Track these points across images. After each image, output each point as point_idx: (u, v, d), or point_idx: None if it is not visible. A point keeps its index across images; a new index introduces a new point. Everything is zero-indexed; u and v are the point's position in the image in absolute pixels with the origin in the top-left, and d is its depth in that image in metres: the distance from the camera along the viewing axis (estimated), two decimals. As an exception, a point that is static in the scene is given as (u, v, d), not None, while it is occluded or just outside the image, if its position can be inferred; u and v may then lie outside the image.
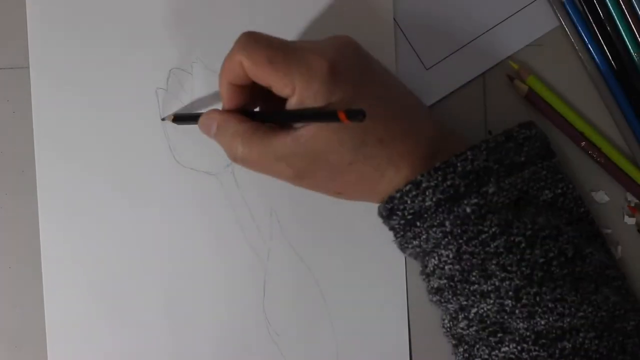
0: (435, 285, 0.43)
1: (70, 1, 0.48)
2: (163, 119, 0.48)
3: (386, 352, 0.49)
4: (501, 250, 0.40)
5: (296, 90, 0.39)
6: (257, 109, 0.44)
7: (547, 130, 0.48)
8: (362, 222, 0.48)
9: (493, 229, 0.40)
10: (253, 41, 0.39)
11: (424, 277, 0.44)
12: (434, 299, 0.43)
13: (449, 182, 0.40)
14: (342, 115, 0.34)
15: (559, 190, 0.43)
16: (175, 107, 0.48)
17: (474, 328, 0.42)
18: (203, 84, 0.48)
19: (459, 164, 0.40)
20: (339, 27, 0.48)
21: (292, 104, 0.39)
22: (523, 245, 0.40)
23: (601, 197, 0.48)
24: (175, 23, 0.48)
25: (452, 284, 0.41)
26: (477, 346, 0.42)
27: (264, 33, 0.40)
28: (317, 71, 0.38)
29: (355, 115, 0.34)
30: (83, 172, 0.48)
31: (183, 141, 0.49)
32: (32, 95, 0.48)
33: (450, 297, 0.42)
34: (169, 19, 0.48)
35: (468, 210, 0.40)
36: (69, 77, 0.48)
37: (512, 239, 0.40)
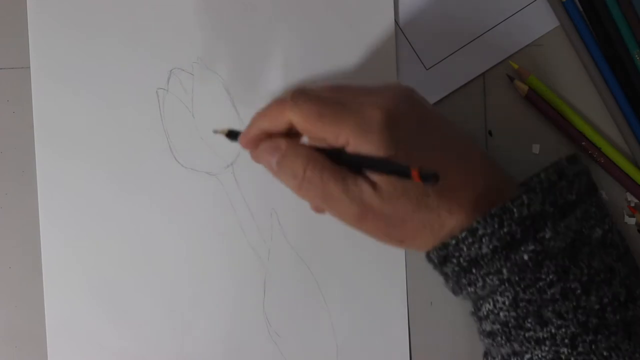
0: (488, 329, 0.42)
1: (70, 1, 0.48)
2: (215, 131, 0.45)
3: (386, 352, 0.49)
4: (557, 297, 0.39)
5: (350, 142, 0.38)
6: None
7: (547, 130, 0.48)
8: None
9: (550, 277, 0.39)
10: (305, 98, 0.38)
11: (475, 318, 0.43)
12: (486, 341, 0.43)
13: (505, 229, 0.39)
14: (415, 174, 0.34)
15: (607, 226, 0.42)
16: (177, 108, 0.48)
17: None
18: (204, 83, 0.48)
19: (515, 210, 0.39)
20: (339, 28, 0.48)
21: (349, 151, 0.39)
22: (579, 291, 0.39)
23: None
24: (176, 23, 0.48)
25: (506, 329, 0.41)
26: None
27: (311, 88, 0.39)
28: (371, 121, 0.38)
29: (429, 177, 0.34)
30: (83, 172, 0.48)
31: (183, 141, 0.49)
32: (32, 95, 0.48)
33: (503, 342, 0.41)
34: (169, 19, 0.48)
35: (525, 257, 0.39)
36: (70, 77, 0.48)
37: (568, 285, 0.39)
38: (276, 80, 0.48)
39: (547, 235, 0.39)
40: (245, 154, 0.48)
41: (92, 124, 0.48)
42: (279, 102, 0.40)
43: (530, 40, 0.48)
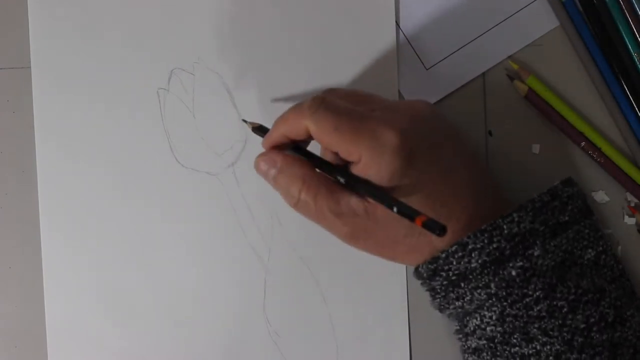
0: (474, 345, 0.42)
1: (71, 1, 0.48)
2: (244, 120, 0.47)
3: (386, 352, 0.49)
4: (544, 314, 0.40)
5: (362, 160, 0.38)
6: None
7: (547, 130, 0.48)
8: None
9: (537, 293, 0.40)
10: (324, 108, 0.39)
11: (461, 336, 0.43)
12: (470, 358, 0.43)
13: (494, 245, 0.40)
14: (420, 220, 0.35)
15: (600, 248, 0.42)
16: (178, 108, 0.48)
17: None
18: (205, 84, 0.48)
19: (505, 226, 0.40)
20: (340, 28, 0.48)
21: (356, 170, 0.39)
22: (565, 309, 0.40)
23: (601, 197, 0.48)
24: (177, 23, 0.48)
25: (492, 345, 0.41)
26: None
27: (332, 98, 0.40)
28: (387, 145, 0.38)
29: (435, 228, 0.34)
30: (84, 172, 0.48)
31: (184, 141, 0.49)
32: (33, 95, 0.48)
33: (489, 358, 0.41)
34: (170, 19, 0.48)
35: (513, 273, 0.40)
36: (70, 77, 0.48)
37: (555, 303, 0.40)
38: (277, 80, 0.48)
39: (536, 253, 0.40)
40: (246, 154, 0.48)
41: (92, 124, 0.48)
42: (298, 109, 0.40)
43: (530, 40, 0.48)
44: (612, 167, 0.48)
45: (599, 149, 0.47)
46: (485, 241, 0.40)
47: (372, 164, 0.38)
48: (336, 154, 0.40)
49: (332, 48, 0.48)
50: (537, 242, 0.40)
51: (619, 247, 0.48)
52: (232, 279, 0.49)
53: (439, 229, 0.34)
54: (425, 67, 0.48)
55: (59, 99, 0.48)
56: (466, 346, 0.43)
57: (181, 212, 0.49)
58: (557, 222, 0.41)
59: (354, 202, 0.40)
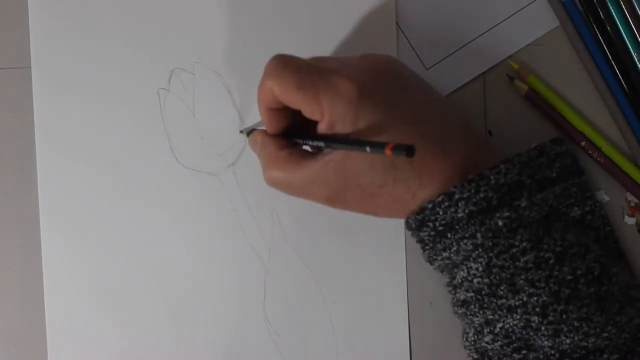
0: (462, 298, 0.42)
1: (71, 1, 0.48)
2: (241, 132, 0.48)
3: (386, 352, 0.49)
4: (530, 265, 0.40)
5: (325, 115, 0.39)
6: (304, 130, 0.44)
7: (547, 130, 0.48)
8: (363, 222, 0.48)
9: (524, 244, 0.40)
10: (282, 66, 0.39)
11: (450, 288, 0.44)
12: (460, 311, 0.43)
13: (481, 195, 0.40)
14: (388, 148, 0.34)
15: (587, 208, 0.43)
16: (178, 108, 0.48)
17: (499, 343, 0.41)
18: (205, 83, 0.48)
19: (492, 177, 0.40)
20: (340, 28, 0.48)
21: (322, 128, 0.39)
22: (552, 261, 0.40)
23: (601, 197, 0.48)
24: (177, 23, 0.48)
25: (479, 297, 0.41)
26: None
27: (292, 56, 0.40)
28: (344, 95, 0.38)
29: (403, 150, 0.34)
30: (84, 172, 0.48)
31: (184, 141, 0.49)
32: (33, 95, 0.48)
33: (476, 310, 0.42)
34: (170, 19, 0.48)
35: (500, 223, 0.40)
36: (70, 77, 0.48)
37: (541, 254, 0.40)
38: (276, 80, 0.48)
39: (523, 204, 0.40)
40: (247, 154, 0.48)
41: (92, 124, 0.48)
42: (263, 75, 0.40)
43: (530, 40, 0.48)
44: (612, 167, 0.48)
45: (599, 149, 0.47)
46: (472, 191, 0.40)
47: (334, 118, 0.39)
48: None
49: (332, 48, 0.48)
50: (524, 193, 0.40)
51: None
52: (232, 279, 0.49)
53: (406, 150, 0.34)
54: (425, 67, 0.48)
55: (59, 99, 0.48)
56: (455, 299, 0.43)
57: (181, 212, 0.49)
58: (543, 177, 0.41)
59: (318, 166, 0.40)
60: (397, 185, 0.40)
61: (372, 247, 0.49)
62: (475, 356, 0.44)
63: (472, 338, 0.43)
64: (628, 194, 0.48)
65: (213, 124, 0.48)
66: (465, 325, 0.44)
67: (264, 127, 0.44)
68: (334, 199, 0.41)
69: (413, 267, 0.48)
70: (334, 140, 0.39)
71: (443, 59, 0.48)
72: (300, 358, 0.49)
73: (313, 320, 0.49)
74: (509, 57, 0.48)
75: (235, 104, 0.48)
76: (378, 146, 0.35)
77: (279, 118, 0.42)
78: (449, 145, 0.41)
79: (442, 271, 0.45)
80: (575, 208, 0.42)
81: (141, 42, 0.48)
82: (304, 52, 0.48)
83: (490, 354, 0.43)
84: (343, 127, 0.39)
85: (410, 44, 0.48)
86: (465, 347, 0.44)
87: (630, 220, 0.48)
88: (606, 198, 0.48)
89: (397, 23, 0.48)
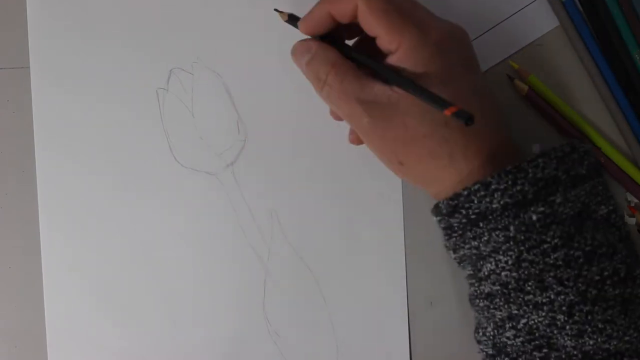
0: (487, 291, 0.42)
1: (70, 1, 0.48)
2: (276, 10, 0.45)
3: (386, 352, 0.49)
4: (560, 262, 0.39)
5: (401, 49, 0.39)
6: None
7: (547, 130, 0.48)
8: (363, 222, 0.48)
9: (555, 240, 0.39)
10: None
11: (473, 280, 0.43)
12: (481, 304, 0.43)
13: (518, 187, 0.39)
14: (450, 110, 0.34)
15: (612, 207, 0.42)
16: (177, 107, 0.48)
17: (520, 339, 0.41)
18: (204, 83, 0.48)
19: (530, 170, 0.40)
20: (339, 27, 0.48)
21: (393, 59, 0.39)
22: (581, 260, 0.39)
23: (601, 197, 0.48)
24: (176, 23, 0.48)
25: (505, 290, 0.41)
26: (520, 359, 0.42)
27: None
28: (429, 38, 0.39)
29: (464, 116, 0.34)
30: (83, 172, 0.48)
31: (183, 141, 0.49)
32: (32, 95, 0.48)
33: (501, 304, 0.41)
34: (169, 18, 0.48)
35: (534, 217, 0.39)
36: (70, 77, 0.48)
37: (572, 252, 0.39)
38: (276, 80, 0.48)
39: (558, 200, 0.40)
40: (246, 154, 0.48)
41: (92, 124, 0.48)
42: None
43: (530, 40, 0.48)
44: (612, 167, 0.48)
45: (599, 149, 0.47)
46: (509, 182, 0.39)
47: (411, 54, 0.38)
48: (372, 42, 0.40)
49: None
50: (560, 189, 0.40)
51: (619, 247, 0.48)
52: (232, 279, 0.49)
53: (466, 118, 0.34)
54: (425, 67, 0.48)
55: (58, 99, 0.48)
56: (479, 291, 0.43)
57: (181, 211, 0.49)
58: (577, 173, 0.41)
59: (378, 89, 0.39)
60: (441, 143, 0.40)
61: (372, 247, 0.48)
62: (491, 351, 0.43)
63: (491, 332, 0.42)
64: (628, 194, 0.48)
65: (212, 124, 0.48)
66: (482, 318, 0.43)
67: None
68: (375, 127, 0.40)
69: (413, 267, 0.48)
70: (399, 77, 0.39)
71: (443, 59, 0.48)
72: (300, 358, 0.49)
73: (313, 320, 0.49)
74: (509, 57, 0.48)
75: (234, 104, 0.48)
76: (442, 103, 0.35)
77: (330, 26, 0.41)
78: (495, 131, 0.41)
79: (460, 262, 0.44)
80: (602, 206, 0.42)
81: (140, 42, 0.48)
82: (304, 52, 0.48)
83: (509, 349, 0.42)
84: (414, 66, 0.39)
85: (410, 43, 0.48)
86: (479, 341, 0.44)
87: (630, 220, 0.48)
88: (606, 198, 0.48)
89: (396, 23, 0.48)
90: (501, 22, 0.48)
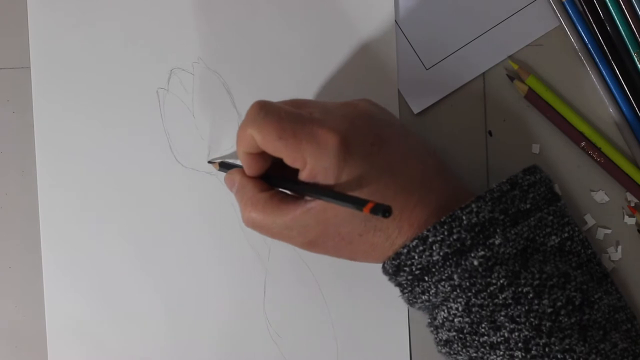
0: (444, 338, 0.42)
1: (71, 1, 0.48)
2: (210, 162, 0.48)
3: (386, 352, 0.49)
4: (510, 301, 0.40)
5: (307, 165, 0.39)
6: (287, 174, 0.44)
7: (547, 130, 0.48)
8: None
9: (501, 281, 0.40)
10: (263, 114, 0.39)
11: (432, 329, 0.44)
12: (443, 350, 0.43)
13: (455, 236, 0.40)
14: (367, 209, 0.35)
15: (566, 235, 0.42)
16: (177, 108, 0.48)
17: None
18: (204, 83, 0.48)
19: (464, 217, 0.40)
20: (339, 28, 0.48)
21: (303, 176, 0.39)
22: (531, 295, 0.40)
23: (601, 197, 0.48)
24: (177, 23, 0.48)
25: (461, 336, 0.41)
26: None
27: (274, 103, 0.40)
28: (327, 148, 0.38)
29: (380, 211, 0.34)
30: (83, 172, 0.48)
31: (184, 141, 0.49)
32: (32, 95, 0.48)
33: (459, 349, 0.42)
34: (170, 19, 0.48)
35: (475, 263, 0.40)
36: (70, 77, 0.48)
37: (520, 289, 0.40)
38: (276, 80, 0.48)
39: (497, 242, 0.40)
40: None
41: (92, 124, 0.49)
42: (243, 121, 0.40)
43: (530, 40, 0.48)
44: (612, 167, 0.47)
45: (599, 149, 0.47)
46: (445, 233, 0.40)
47: (317, 167, 0.39)
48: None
49: (332, 48, 0.48)
50: (498, 230, 0.40)
51: (619, 247, 0.48)
52: (232, 279, 0.49)
53: (383, 211, 0.34)
54: (425, 67, 0.48)
55: (58, 99, 0.48)
56: (438, 338, 0.43)
57: (181, 211, 0.49)
58: (517, 210, 0.41)
59: (299, 213, 0.40)
60: (377, 234, 0.41)
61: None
62: None
63: None
64: (628, 194, 0.48)
65: (212, 124, 0.48)
66: None
67: (232, 160, 0.45)
68: (313, 244, 0.42)
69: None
70: (315, 190, 0.39)
71: (443, 59, 0.48)
72: (300, 358, 0.49)
73: (313, 320, 0.49)
74: (509, 57, 0.48)
75: (234, 104, 0.48)
76: (358, 203, 0.36)
77: (259, 161, 0.42)
78: (429, 193, 0.41)
79: (422, 311, 0.44)
80: (553, 237, 0.42)
81: (140, 42, 0.48)
82: (304, 52, 0.48)
83: None
84: (325, 178, 0.39)
85: (410, 44, 0.48)
86: None
87: (630, 221, 0.48)
88: (606, 198, 0.48)
89: (397, 23, 0.48)
90: (501, 22, 0.48)
